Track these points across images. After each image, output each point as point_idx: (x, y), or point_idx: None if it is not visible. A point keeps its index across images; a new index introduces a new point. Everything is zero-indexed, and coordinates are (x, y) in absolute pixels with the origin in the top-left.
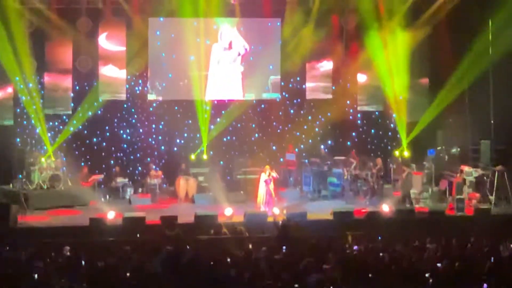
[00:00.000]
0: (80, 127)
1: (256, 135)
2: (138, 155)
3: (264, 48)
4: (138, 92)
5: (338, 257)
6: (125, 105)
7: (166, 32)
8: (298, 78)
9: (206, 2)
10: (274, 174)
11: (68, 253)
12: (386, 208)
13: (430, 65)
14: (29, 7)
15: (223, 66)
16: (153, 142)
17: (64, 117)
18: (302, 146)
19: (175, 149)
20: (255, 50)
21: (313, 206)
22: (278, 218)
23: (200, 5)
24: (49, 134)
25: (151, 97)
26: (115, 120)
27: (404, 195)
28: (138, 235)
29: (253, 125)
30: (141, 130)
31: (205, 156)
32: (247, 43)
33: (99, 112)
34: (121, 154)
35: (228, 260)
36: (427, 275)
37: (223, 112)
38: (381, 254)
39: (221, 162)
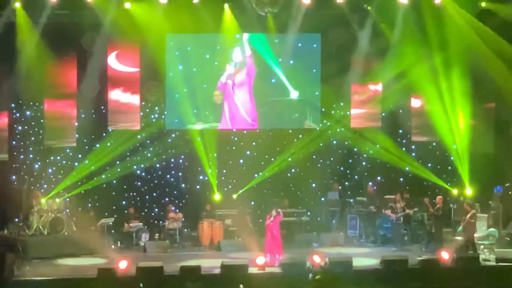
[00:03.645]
0: (87, 161)
1: (293, 170)
2: (155, 194)
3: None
4: (154, 120)
5: None
6: (139, 136)
7: (185, 50)
8: (341, 104)
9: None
10: (274, 213)
11: None
12: (445, 255)
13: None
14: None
15: (250, 90)
16: (172, 179)
17: (68, 150)
18: (346, 183)
19: (198, 187)
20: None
21: (360, 253)
22: (316, 266)
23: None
24: (50, 170)
25: (169, 126)
26: (128, 153)
27: (467, 240)
28: None
29: (289, 159)
30: (158, 165)
31: (234, 196)
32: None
33: (108, 144)
34: (135, 194)
35: None
36: None
37: (253, 143)
38: None
39: (252, 203)
